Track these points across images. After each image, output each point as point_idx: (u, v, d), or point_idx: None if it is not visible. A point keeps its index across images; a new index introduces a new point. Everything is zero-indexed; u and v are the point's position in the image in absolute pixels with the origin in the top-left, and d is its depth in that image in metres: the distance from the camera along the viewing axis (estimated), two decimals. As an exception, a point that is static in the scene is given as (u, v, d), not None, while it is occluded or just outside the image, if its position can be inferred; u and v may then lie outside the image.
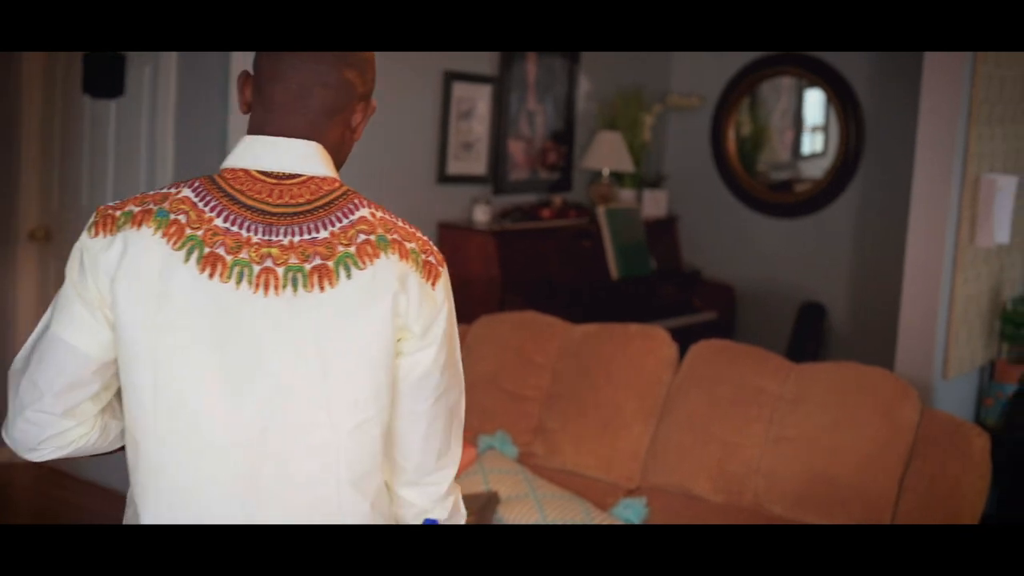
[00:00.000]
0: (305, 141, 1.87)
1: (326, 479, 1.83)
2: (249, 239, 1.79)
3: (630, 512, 3.83)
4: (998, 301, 5.03)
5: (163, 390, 1.79)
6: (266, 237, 1.79)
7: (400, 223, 1.90)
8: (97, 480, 5.49)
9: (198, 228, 1.78)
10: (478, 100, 5.75)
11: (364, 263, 1.81)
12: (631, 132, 6.42)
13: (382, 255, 1.82)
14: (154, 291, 1.77)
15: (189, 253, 1.77)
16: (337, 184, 1.88)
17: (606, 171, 6.30)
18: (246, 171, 1.84)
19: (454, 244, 5.53)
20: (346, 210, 1.85)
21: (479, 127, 5.78)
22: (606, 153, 6.26)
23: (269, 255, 1.78)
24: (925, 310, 4.55)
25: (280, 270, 1.78)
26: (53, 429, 1.89)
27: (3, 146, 5.62)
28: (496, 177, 5.89)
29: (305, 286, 1.78)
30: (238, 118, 4.78)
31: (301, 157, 1.85)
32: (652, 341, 4.15)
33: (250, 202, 1.81)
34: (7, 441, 1.93)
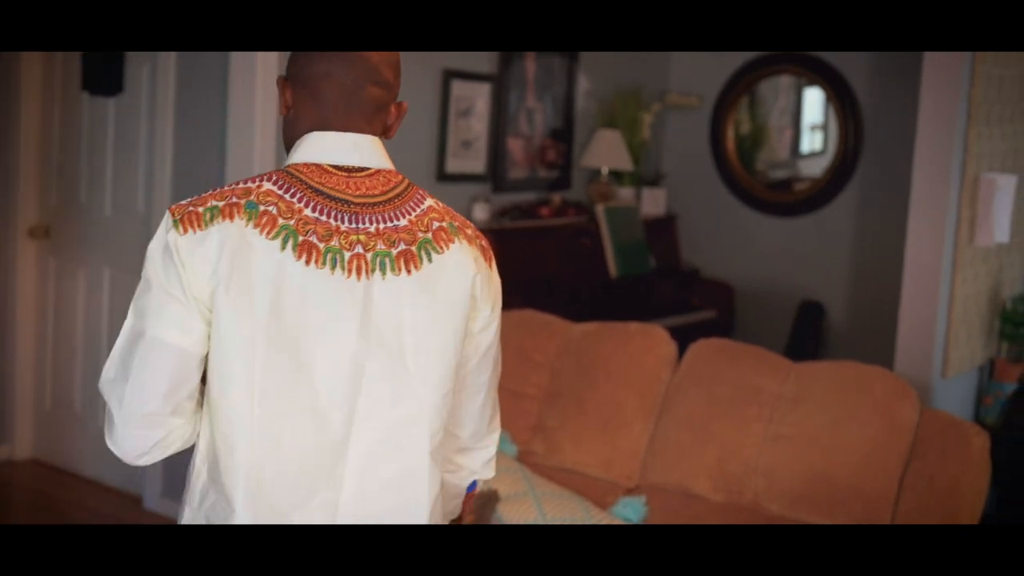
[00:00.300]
0: (368, 136, 2.00)
1: (414, 450, 1.96)
2: (338, 228, 1.90)
3: (629, 511, 3.83)
4: (997, 300, 5.03)
5: (267, 374, 1.88)
6: (353, 225, 1.92)
7: (455, 212, 2.06)
8: (98, 479, 5.49)
9: (289, 218, 1.88)
10: (477, 98, 5.74)
11: (441, 248, 1.96)
12: (630, 131, 6.42)
13: (455, 240, 1.98)
14: (255, 280, 1.86)
15: (284, 242, 1.87)
16: (400, 176, 2.01)
17: (605, 170, 6.29)
18: (318, 165, 1.95)
19: (453, 242, 5.51)
20: (416, 199, 1.99)
21: (478, 125, 5.77)
22: (605, 152, 6.25)
23: (358, 242, 1.91)
24: (924, 309, 4.55)
25: (369, 255, 1.91)
26: (164, 430, 1.94)
27: (2, 144, 5.62)
28: (495, 175, 5.89)
29: (393, 270, 1.92)
30: (238, 116, 4.78)
31: (368, 151, 1.98)
32: (651, 340, 4.15)
33: (334, 193, 1.92)
34: (114, 450, 1.95)
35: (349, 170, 1.96)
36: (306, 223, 1.89)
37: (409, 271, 1.93)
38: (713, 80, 6.67)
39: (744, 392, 3.91)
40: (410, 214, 1.97)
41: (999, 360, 5.06)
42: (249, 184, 1.92)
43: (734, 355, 4.07)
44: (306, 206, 1.90)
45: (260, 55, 4.72)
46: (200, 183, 4.98)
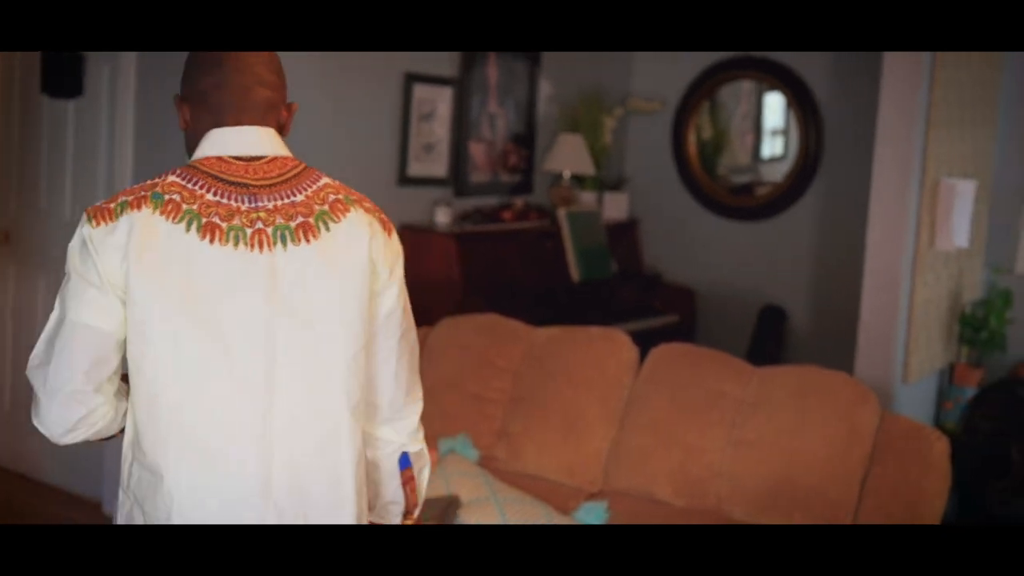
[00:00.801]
0: (263, 127, 2.16)
1: (332, 411, 2.11)
2: (239, 208, 2.06)
3: (592, 516, 3.83)
4: (957, 305, 5.07)
5: (184, 346, 2.02)
6: (252, 204, 2.07)
7: (352, 190, 2.24)
8: (59, 484, 5.44)
9: (192, 203, 2.04)
10: (439, 102, 5.73)
11: (338, 217, 2.12)
12: (592, 135, 6.42)
13: (351, 210, 2.15)
14: (163, 259, 2.01)
15: (189, 224, 2.02)
16: (297, 161, 2.17)
17: (567, 174, 6.30)
18: (219, 157, 2.11)
19: (415, 246, 5.50)
20: (312, 178, 2.16)
21: (440, 129, 5.76)
22: (567, 156, 6.25)
23: (258, 219, 2.07)
24: (885, 313, 4.58)
25: (270, 230, 2.06)
26: (87, 407, 2.06)
27: (-41, 146, 5.57)
28: (457, 179, 5.88)
29: (293, 240, 2.07)
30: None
31: (263, 141, 2.14)
32: (613, 344, 4.15)
33: (233, 178, 2.08)
34: (41, 429, 2.08)
35: (248, 159, 2.11)
36: (208, 206, 2.04)
37: (308, 240, 2.08)
38: (675, 85, 6.68)
39: (706, 397, 3.91)
40: (306, 190, 2.13)
41: (959, 364, 5.10)
42: (156, 179, 2.08)
43: (696, 360, 4.08)
44: (207, 191, 2.06)
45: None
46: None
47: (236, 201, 2.07)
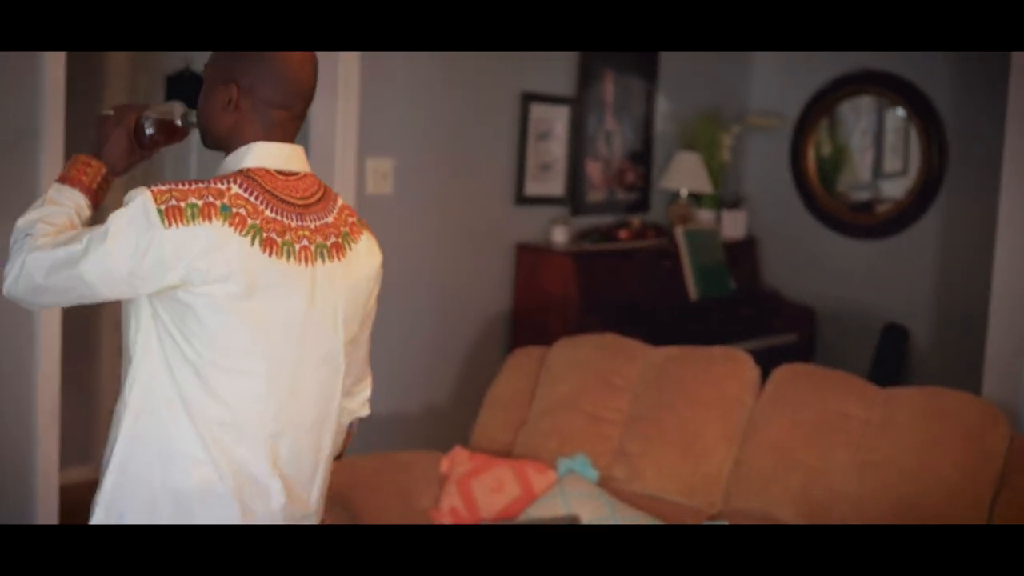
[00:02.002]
0: (298, 146, 2.45)
1: (334, 402, 2.51)
2: (289, 225, 2.34)
3: (712, 537, 3.79)
4: (1088, 323, 4.93)
5: (237, 335, 2.31)
6: (300, 223, 2.36)
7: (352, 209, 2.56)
8: None
9: (256, 218, 2.29)
10: (556, 121, 5.73)
11: (356, 238, 2.48)
12: (709, 152, 6.38)
13: (363, 232, 2.52)
14: (231, 270, 2.25)
15: (253, 238, 2.28)
16: (316, 178, 2.47)
17: (684, 192, 6.26)
18: (267, 170, 2.36)
19: (532, 265, 5.51)
20: (334, 199, 2.48)
21: (557, 148, 5.76)
22: (684, 174, 6.22)
23: (304, 236, 2.37)
24: (1014, 332, 4.47)
25: (312, 247, 2.38)
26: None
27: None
28: (574, 198, 5.87)
29: (328, 258, 2.41)
30: (319, 137, 4.80)
31: (299, 159, 2.43)
32: (734, 363, 4.11)
33: (283, 196, 2.36)
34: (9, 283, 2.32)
35: (287, 174, 2.39)
36: (267, 221, 2.30)
37: (339, 258, 2.43)
38: (793, 101, 6.61)
39: (830, 418, 3.85)
40: (333, 212, 2.45)
41: (1090, 385, 4.96)
42: (220, 186, 2.29)
43: (819, 380, 4.02)
44: (266, 208, 2.31)
45: (342, 89, 4.74)
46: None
47: (287, 218, 2.34)
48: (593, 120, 5.93)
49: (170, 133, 2.60)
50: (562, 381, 4.31)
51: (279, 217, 2.32)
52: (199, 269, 2.22)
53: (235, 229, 2.25)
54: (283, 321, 2.35)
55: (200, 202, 2.24)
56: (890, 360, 6.10)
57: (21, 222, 2.36)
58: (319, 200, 2.42)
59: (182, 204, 2.22)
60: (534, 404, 4.36)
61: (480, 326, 5.45)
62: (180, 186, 2.26)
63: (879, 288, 6.38)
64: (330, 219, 2.43)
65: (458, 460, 4.13)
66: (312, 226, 2.38)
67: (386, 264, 5.08)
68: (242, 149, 2.38)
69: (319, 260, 2.38)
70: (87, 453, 5.75)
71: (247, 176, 2.32)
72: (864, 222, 6.48)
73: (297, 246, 2.34)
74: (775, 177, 6.71)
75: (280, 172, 2.37)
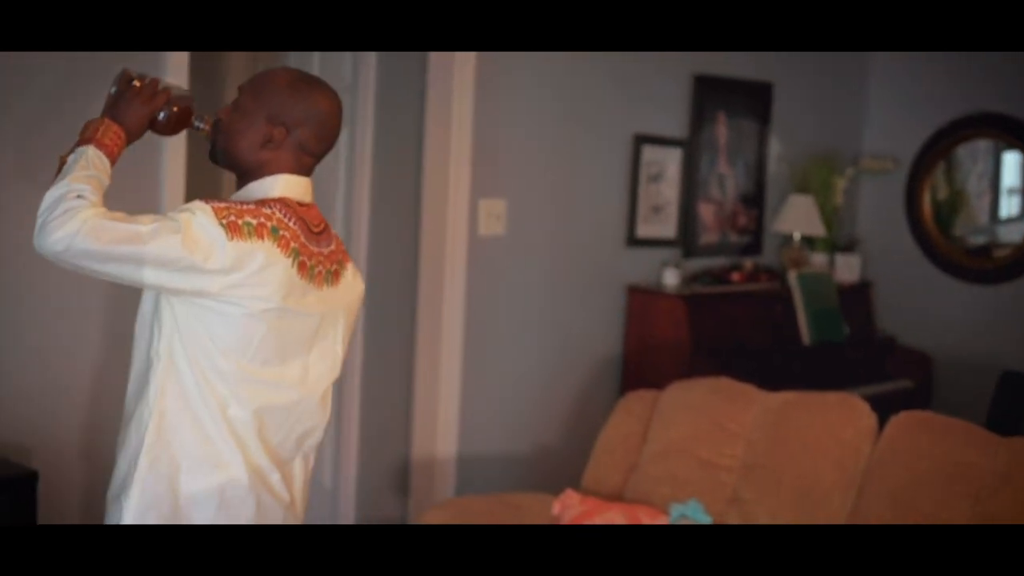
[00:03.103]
0: (310, 179, 2.67)
1: (330, 398, 2.75)
2: (312, 250, 2.57)
3: (828, 587, 3.73)
4: None
5: (285, 349, 2.58)
6: (318, 249, 2.60)
7: None
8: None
9: (295, 242, 2.52)
10: (668, 163, 5.72)
11: (346, 266, 2.72)
12: (823, 195, 6.32)
13: (349, 261, 2.75)
14: (276, 287, 2.49)
15: (293, 260, 2.51)
16: (317, 207, 2.69)
17: (797, 235, 6.20)
18: (294, 200, 2.58)
19: (643, 307, 5.49)
20: (330, 229, 2.69)
21: (668, 190, 5.74)
22: (797, 216, 6.17)
23: (320, 262, 2.60)
24: None
25: (324, 271, 2.61)
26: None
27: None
28: (686, 240, 5.85)
29: (332, 282, 2.65)
30: (433, 179, 4.83)
31: (311, 191, 2.65)
32: (851, 410, 4.05)
33: (308, 223, 2.57)
34: (50, 241, 2.33)
35: (302, 204, 2.60)
36: (302, 246, 2.53)
37: (337, 283, 2.67)
38: (908, 144, 6.53)
39: (950, 468, 3.77)
40: (333, 241, 2.67)
41: None
42: (267, 210, 2.49)
43: (938, 429, 3.94)
44: (301, 233, 2.53)
45: (455, 130, 4.79)
46: (394, 250, 5.05)
47: (311, 244, 2.56)
48: (706, 162, 5.91)
49: (174, 128, 2.68)
50: (675, 425, 4.28)
51: (307, 243, 2.55)
52: (250, 283, 2.44)
53: (281, 250, 2.48)
54: (300, 335, 2.60)
55: (255, 221, 2.45)
56: (1009, 410, 5.97)
57: (73, 180, 2.39)
58: (325, 229, 2.65)
59: (239, 221, 2.43)
60: (646, 448, 4.33)
61: (590, 368, 5.44)
62: (235, 204, 2.47)
63: (996, 334, 6.26)
64: (332, 247, 2.66)
65: (569, 503, 4.12)
66: (324, 252, 2.61)
67: (498, 305, 5.11)
68: (270, 179, 2.59)
69: (327, 284, 2.63)
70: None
71: (284, 204, 2.54)
72: (981, 267, 6.37)
73: (316, 269, 2.58)
74: (889, 220, 6.62)
75: (297, 201, 2.59)
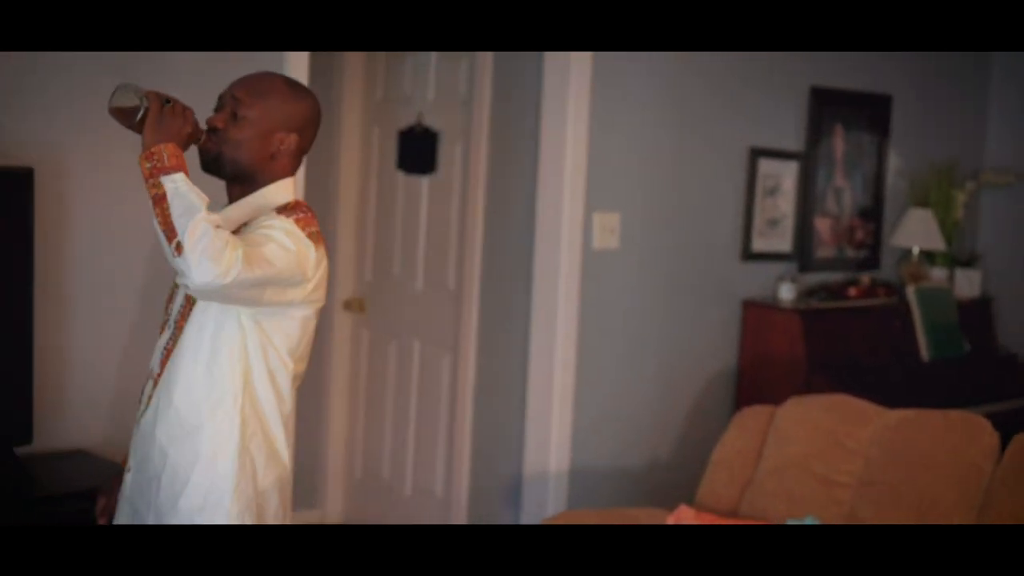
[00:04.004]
0: None
1: None
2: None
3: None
4: None
5: (310, 346, 2.74)
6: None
7: None
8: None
9: (322, 243, 2.64)
10: (784, 176, 5.67)
11: None
12: (942, 209, 6.21)
13: None
14: (326, 283, 2.67)
15: (326, 263, 2.66)
16: None
17: (916, 249, 6.10)
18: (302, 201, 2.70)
19: (758, 322, 5.44)
20: None
21: (784, 204, 5.69)
22: (916, 231, 6.07)
23: None
24: None
25: None
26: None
27: (322, 219, 5.85)
28: (801, 255, 5.78)
29: None
30: (546, 201, 4.84)
31: None
32: (973, 429, 3.98)
33: None
34: (205, 263, 2.37)
35: None
36: (320, 244, 2.63)
37: None
38: (1031, 157, 6.40)
39: (1076, 488, 3.69)
40: None
41: None
42: (310, 215, 2.62)
43: (1064, 448, 3.86)
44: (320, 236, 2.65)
45: (570, 143, 4.78)
46: (508, 263, 5.07)
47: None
48: (822, 176, 5.84)
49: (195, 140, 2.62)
50: (791, 441, 4.23)
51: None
52: (320, 286, 2.63)
53: (325, 251, 2.65)
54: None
55: (316, 230, 2.61)
56: None
57: (206, 216, 2.37)
58: None
59: (311, 231, 2.59)
60: (761, 463, 4.29)
61: (704, 382, 5.40)
62: (299, 216, 2.60)
63: (1124, 353, 6.10)
64: None
65: (683, 518, 4.09)
66: None
67: (612, 318, 5.08)
68: (282, 184, 2.67)
69: None
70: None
71: (307, 208, 2.65)
72: (1107, 283, 6.21)
73: None
74: (1012, 234, 6.49)
75: None
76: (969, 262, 6.40)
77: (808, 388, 5.09)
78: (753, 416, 4.45)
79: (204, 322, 2.58)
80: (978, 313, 6.25)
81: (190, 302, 2.61)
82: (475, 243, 5.18)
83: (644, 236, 5.11)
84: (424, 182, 5.51)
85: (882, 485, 4.01)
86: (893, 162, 6.18)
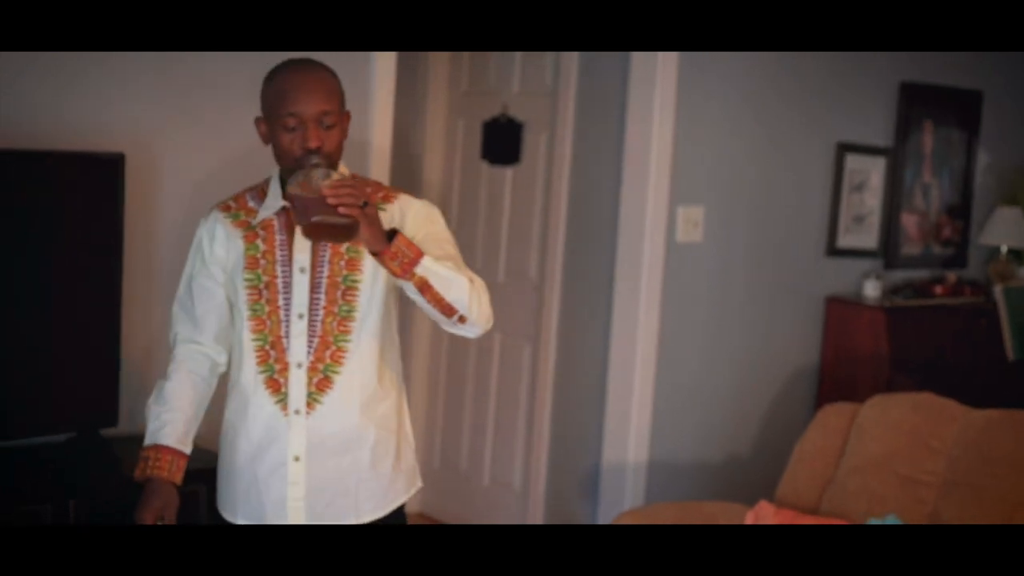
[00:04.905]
0: None
1: None
2: None
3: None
4: None
5: None
6: None
7: None
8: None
9: None
10: (871, 172, 5.61)
11: None
12: (1032, 208, 6.12)
13: None
14: None
15: None
16: None
17: (1004, 248, 6.02)
18: None
19: (842, 319, 5.40)
20: None
21: (871, 200, 5.63)
22: (1005, 229, 5.99)
23: None
24: None
25: None
26: None
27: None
28: (887, 251, 5.73)
29: None
30: (631, 190, 4.83)
31: None
32: (1060, 431, 3.92)
33: None
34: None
35: None
36: None
37: None
38: (1126, 155, 6.28)
39: None
40: None
41: None
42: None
43: None
44: None
45: (655, 136, 4.77)
46: (590, 255, 5.06)
47: None
48: (910, 172, 5.78)
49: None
50: (874, 440, 4.19)
51: None
52: None
53: None
54: None
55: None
56: None
57: (463, 281, 2.67)
58: None
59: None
60: (843, 462, 4.26)
61: (785, 378, 5.36)
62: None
63: None
64: None
65: (764, 514, 4.07)
66: None
67: (694, 312, 5.07)
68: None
69: None
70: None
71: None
72: None
73: None
74: (1103, 235, 6.37)
75: None
76: (1058, 262, 6.30)
77: (891, 387, 5.04)
78: (835, 413, 4.42)
79: (369, 308, 2.76)
80: (1067, 314, 6.16)
81: (320, 290, 2.73)
82: (558, 234, 5.19)
83: (728, 230, 5.09)
84: (508, 173, 5.52)
85: (966, 486, 3.97)
86: (982, 159, 6.10)
